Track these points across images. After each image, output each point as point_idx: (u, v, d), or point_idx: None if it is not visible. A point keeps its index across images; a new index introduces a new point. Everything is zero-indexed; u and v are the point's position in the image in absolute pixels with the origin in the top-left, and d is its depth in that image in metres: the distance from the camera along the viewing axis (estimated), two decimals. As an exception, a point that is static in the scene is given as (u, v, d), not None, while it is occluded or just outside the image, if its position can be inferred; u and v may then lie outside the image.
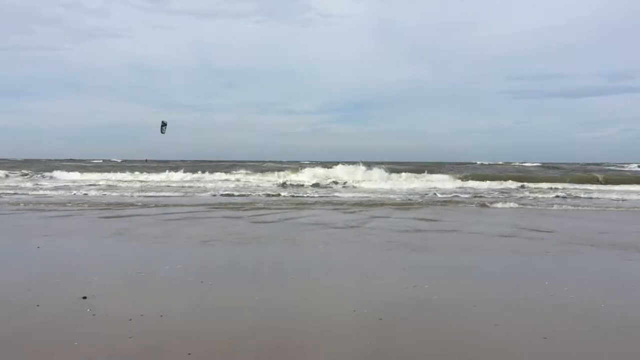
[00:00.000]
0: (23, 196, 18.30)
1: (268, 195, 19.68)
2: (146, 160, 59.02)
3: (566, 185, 26.76)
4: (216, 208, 14.65)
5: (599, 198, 19.63)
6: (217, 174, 31.89)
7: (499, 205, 16.17)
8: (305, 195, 19.89)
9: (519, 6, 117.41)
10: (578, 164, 57.37)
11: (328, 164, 33.67)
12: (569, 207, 15.78)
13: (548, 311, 4.92)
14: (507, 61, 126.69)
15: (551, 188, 24.53)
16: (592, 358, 3.81)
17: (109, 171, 34.10)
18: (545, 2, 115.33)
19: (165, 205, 15.14)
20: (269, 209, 14.46)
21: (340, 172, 29.43)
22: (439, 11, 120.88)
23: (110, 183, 26.30)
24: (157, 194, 19.93)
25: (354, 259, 7.46)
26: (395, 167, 35.01)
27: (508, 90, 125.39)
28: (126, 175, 30.82)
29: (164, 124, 20.16)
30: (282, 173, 31.26)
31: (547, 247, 8.68)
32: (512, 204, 16.28)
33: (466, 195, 20.02)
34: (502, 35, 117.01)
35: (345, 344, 3.99)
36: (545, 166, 46.41)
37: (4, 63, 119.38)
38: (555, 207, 15.83)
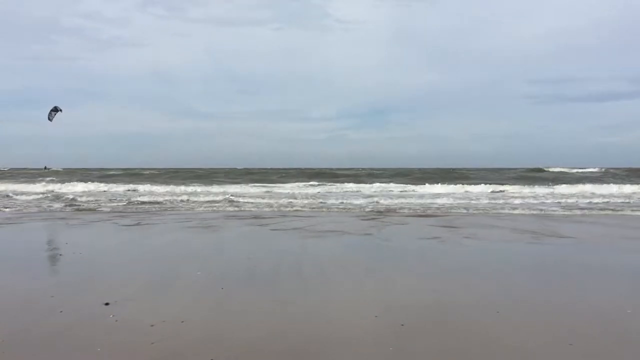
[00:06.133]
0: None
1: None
2: (45, 168, 58.81)
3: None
4: (233, 216, 14.73)
5: None
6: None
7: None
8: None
9: (540, 8, 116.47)
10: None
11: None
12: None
13: (573, 317, 4.82)
14: (527, 65, 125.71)
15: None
16: (621, 365, 3.72)
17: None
18: (566, 4, 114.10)
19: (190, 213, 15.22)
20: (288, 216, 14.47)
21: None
22: (458, 15, 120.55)
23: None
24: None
25: (373, 264, 7.40)
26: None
27: (529, 94, 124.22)
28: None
29: (55, 110, 18.64)
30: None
31: (571, 252, 8.53)
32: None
33: None
34: (522, 38, 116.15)
35: (368, 349, 3.96)
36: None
37: (26, 73, 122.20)
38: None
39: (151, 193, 25.07)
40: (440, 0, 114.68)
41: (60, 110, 18.33)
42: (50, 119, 17.88)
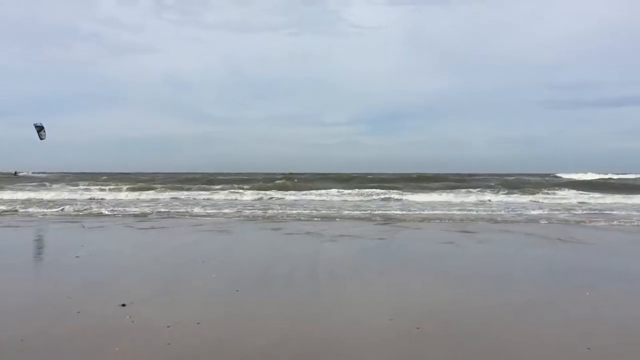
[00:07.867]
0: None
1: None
2: (15, 173, 58.50)
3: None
4: (248, 220, 14.78)
5: None
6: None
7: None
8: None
9: (555, 12, 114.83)
10: None
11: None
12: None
13: (591, 322, 4.76)
14: (543, 69, 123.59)
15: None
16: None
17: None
18: (581, 8, 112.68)
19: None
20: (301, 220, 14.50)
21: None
22: (473, 20, 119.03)
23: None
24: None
25: (387, 268, 7.38)
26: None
27: (543, 99, 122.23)
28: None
29: (40, 129, 17.39)
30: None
31: (586, 258, 8.42)
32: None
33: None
34: (537, 42, 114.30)
35: (383, 352, 3.94)
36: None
37: (43, 78, 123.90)
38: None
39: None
40: (454, 4, 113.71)
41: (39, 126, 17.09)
42: (42, 138, 16.73)
